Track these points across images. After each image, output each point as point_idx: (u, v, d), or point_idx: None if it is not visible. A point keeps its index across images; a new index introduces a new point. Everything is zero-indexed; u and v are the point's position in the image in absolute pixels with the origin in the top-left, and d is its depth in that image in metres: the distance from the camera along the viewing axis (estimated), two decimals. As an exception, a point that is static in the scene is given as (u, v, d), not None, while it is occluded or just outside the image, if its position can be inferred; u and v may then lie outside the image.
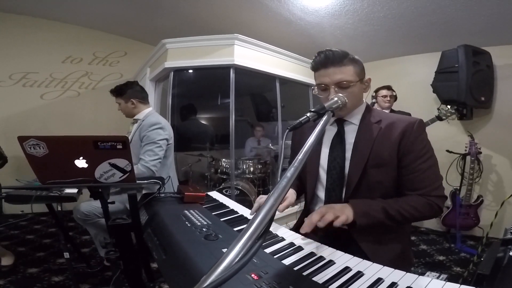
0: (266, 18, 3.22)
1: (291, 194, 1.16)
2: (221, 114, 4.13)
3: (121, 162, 1.00)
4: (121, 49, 4.37)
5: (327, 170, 1.08)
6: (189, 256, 0.74)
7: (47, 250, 2.60)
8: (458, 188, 2.95)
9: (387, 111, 2.91)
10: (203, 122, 4.51)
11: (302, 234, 0.91)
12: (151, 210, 1.18)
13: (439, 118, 2.61)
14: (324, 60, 1.01)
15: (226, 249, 0.44)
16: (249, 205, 1.15)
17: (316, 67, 1.04)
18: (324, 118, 0.82)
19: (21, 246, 2.65)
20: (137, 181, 1.11)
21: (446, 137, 3.23)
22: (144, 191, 1.39)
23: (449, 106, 2.63)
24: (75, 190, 1.23)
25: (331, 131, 1.12)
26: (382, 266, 0.71)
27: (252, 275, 0.63)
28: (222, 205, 1.28)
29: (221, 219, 1.06)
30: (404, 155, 1.00)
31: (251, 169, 3.38)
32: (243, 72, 3.09)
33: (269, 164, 3.66)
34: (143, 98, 2.18)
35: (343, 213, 0.88)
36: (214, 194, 1.46)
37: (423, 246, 2.92)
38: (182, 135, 3.59)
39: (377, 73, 3.56)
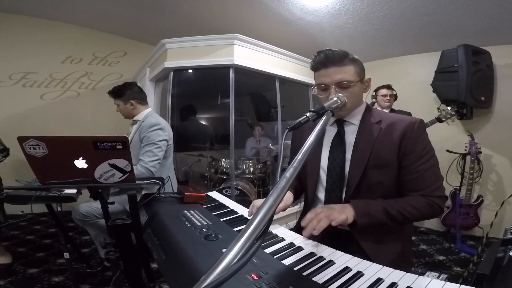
0: (265, 18, 3.22)
1: (288, 196, 1.16)
2: (221, 114, 4.14)
3: (121, 163, 0.99)
4: (121, 49, 4.36)
5: (327, 171, 1.08)
6: (189, 256, 0.74)
7: (47, 250, 2.60)
8: (458, 188, 2.95)
9: (387, 110, 2.91)
10: (203, 122, 4.51)
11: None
12: (151, 211, 1.18)
13: (439, 120, 2.60)
14: (324, 60, 1.00)
15: (226, 249, 0.44)
16: (249, 205, 1.15)
17: (316, 67, 1.04)
18: (324, 118, 0.81)
19: (21, 247, 2.65)
20: (137, 182, 1.11)
21: (446, 137, 3.23)
22: (144, 192, 1.39)
23: (449, 108, 2.62)
24: (74, 191, 1.23)
25: (331, 132, 1.12)
26: (382, 266, 0.71)
27: (252, 275, 0.63)
28: (222, 205, 1.28)
29: (221, 219, 1.06)
30: (405, 155, 0.99)
31: (251, 169, 3.38)
32: (243, 72, 3.09)
33: (269, 164, 3.66)
34: (142, 99, 2.18)
35: (342, 213, 0.88)
36: (214, 194, 1.47)
37: (423, 246, 2.93)
38: (182, 135, 3.59)
39: (377, 73, 3.55)
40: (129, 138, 2.01)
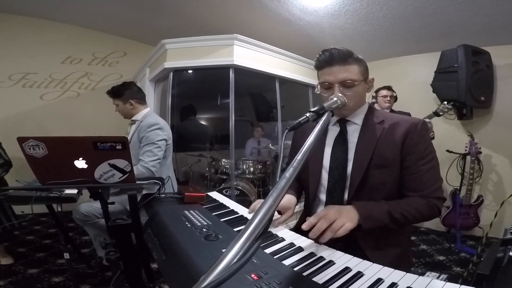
0: (265, 18, 3.22)
1: (293, 204, 1.10)
2: (220, 114, 4.14)
3: (121, 163, 0.99)
4: (120, 50, 4.37)
5: (329, 170, 1.07)
6: (189, 256, 0.74)
7: (47, 250, 2.60)
8: (458, 188, 2.95)
9: (387, 111, 2.91)
10: (203, 122, 4.51)
11: (301, 233, 0.91)
12: (151, 211, 1.18)
13: (436, 114, 2.60)
14: (329, 58, 0.99)
15: (225, 250, 0.44)
16: (249, 205, 1.14)
17: (320, 65, 1.03)
18: (324, 118, 0.81)
19: (21, 247, 2.65)
20: (137, 182, 1.11)
21: (446, 137, 3.23)
22: (144, 192, 1.39)
23: (445, 102, 2.62)
24: (75, 191, 1.23)
25: (334, 131, 1.11)
26: (382, 266, 0.71)
27: (252, 276, 0.63)
28: (222, 206, 1.27)
29: (221, 220, 1.05)
30: (407, 155, 0.99)
31: (251, 169, 3.38)
32: (243, 72, 3.09)
33: (269, 165, 3.66)
34: (141, 98, 2.17)
35: (348, 219, 0.86)
36: (214, 195, 1.46)
37: (423, 246, 2.93)
38: (182, 135, 3.59)
39: (376, 73, 3.51)
40: (128, 138, 2.01)
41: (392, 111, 3.01)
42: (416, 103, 3.41)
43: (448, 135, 3.26)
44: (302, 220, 1.10)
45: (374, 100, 3.08)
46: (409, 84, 3.57)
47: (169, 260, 0.80)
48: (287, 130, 0.82)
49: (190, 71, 3.30)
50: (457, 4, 2.53)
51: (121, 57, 4.38)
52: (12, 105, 3.73)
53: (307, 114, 0.82)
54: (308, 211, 1.17)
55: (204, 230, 0.91)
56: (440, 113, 2.59)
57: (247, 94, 4.15)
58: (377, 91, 3.05)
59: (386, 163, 1.00)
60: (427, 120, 2.56)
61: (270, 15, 3.15)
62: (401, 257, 1.02)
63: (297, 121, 0.81)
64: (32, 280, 2.07)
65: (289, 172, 0.60)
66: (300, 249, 0.83)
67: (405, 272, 0.67)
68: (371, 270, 0.70)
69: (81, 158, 0.97)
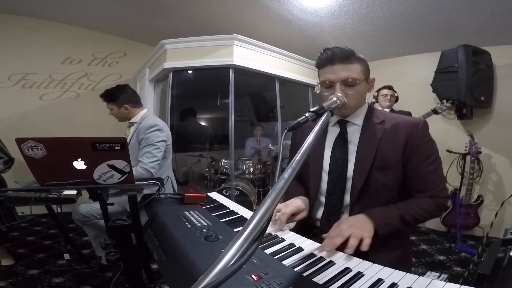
0: (265, 18, 3.22)
1: (307, 204, 1.08)
2: (220, 115, 4.14)
3: (120, 164, 0.99)
4: (120, 50, 4.36)
5: (329, 172, 1.06)
6: (189, 257, 0.74)
7: (48, 251, 2.60)
8: (458, 188, 2.95)
9: (387, 110, 2.92)
10: (203, 123, 4.51)
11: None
12: (151, 211, 1.18)
13: (434, 111, 2.60)
14: (331, 57, 0.98)
15: (223, 250, 0.44)
16: (249, 205, 1.14)
17: (321, 64, 1.02)
18: (323, 118, 0.80)
19: (22, 248, 2.65)
20: (136, 183, 1.11)
21: (446, 137, 3.23)
22: (144, 192, 1.39)
23: (444, 100, 2.62)
24: (74, 192, 1.22)
25: (334, 132, 1.10)
26: (382, 266, 0.71)
27: (252, 276, 0.63)
28: (222, 206, 1.27)
29: (221, 220, 1.05)
30: (411, 157, 0.99)
31: (251, 169, 3.38)
32: (243, 72, 3.09)
33: (269, 165, 3.66)
34: (136, 102, 2.14)
35: (365, 231, 0.85)
36: (214, 195, 1.46)
37: (423, 246, 2.92)
38: (182, 135, 3.59)
39: (377, 73, 3.50)
40: (127, 141, 2.00)
41: (392, 110, 3.02)
42: (416, 103, 3.40)
43: (448, 135, 3.26)
44: (302, 222, 1.09)
45: (374, 100, 3.09)
46: (409, 84, 3.57)
47: (169, 260, 0.79)
48: (286, 130, 0.81)
49: (190, 71, 3.30)
50: (457, 4, 2.53)
51: (121, 57, 4.37)
52: (11, 106, 3.73)
53: (306, 114, 0.81)
54: (308, 213, 1.16)
55: (204, 230, 0.91)
56: (439, 111, 2.59)
57: (247, 94, 4.15)
58: (378, 90, 3.06)
59: (388, 164, 0.99)
60: (423, 117, 2.57)
61: (270, 15, 3.15)
62: (402, 258, 1.01)
63: (296, 121, 0.81)
64: (32, 281, 2.07)
65: (288, 173, 0.59)
66: (300, 250, 0.82)
67: (405, 272, 0.67)
68: (371, 270, 0.70)
69: (80, 159, 0.97)
